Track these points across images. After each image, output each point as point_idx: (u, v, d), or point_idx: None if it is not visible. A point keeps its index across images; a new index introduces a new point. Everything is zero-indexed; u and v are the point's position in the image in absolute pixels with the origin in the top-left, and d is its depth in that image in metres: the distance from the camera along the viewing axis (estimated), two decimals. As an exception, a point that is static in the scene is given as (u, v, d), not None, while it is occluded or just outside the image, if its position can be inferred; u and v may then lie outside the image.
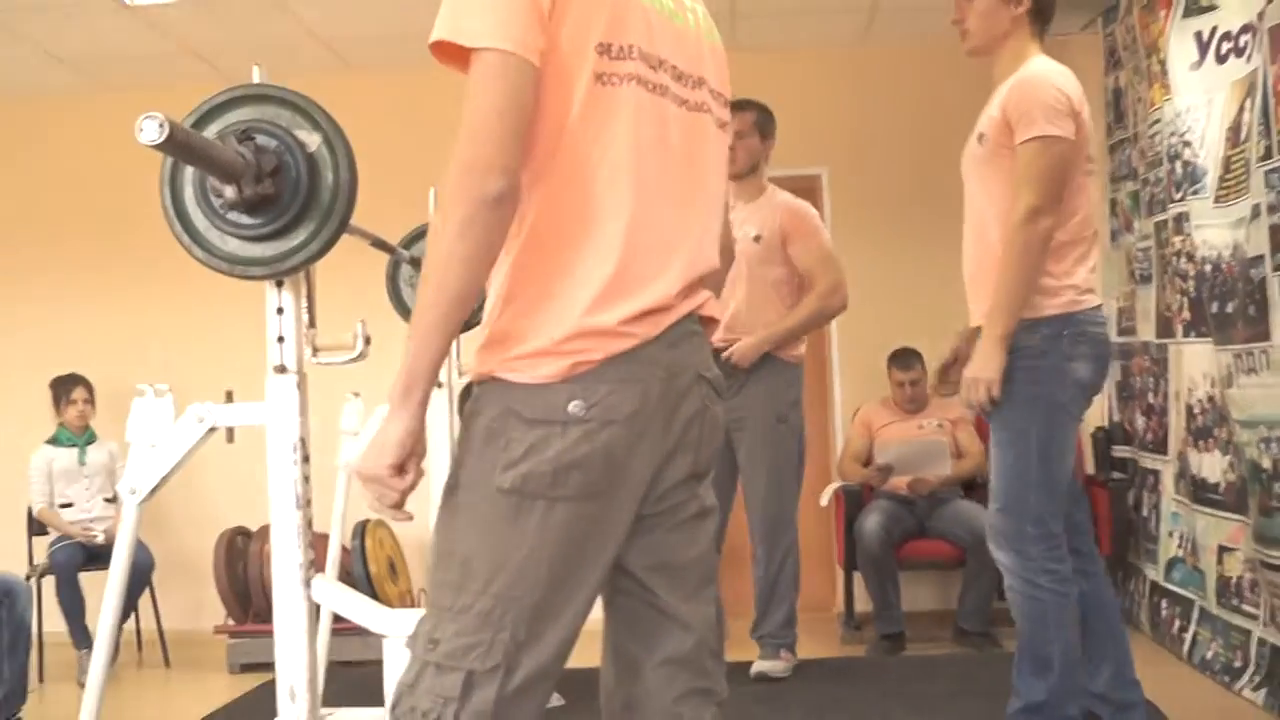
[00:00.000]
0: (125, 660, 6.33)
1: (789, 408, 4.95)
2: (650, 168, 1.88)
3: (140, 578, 6.13)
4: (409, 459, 1.83)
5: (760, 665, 4.85)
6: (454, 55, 1.80)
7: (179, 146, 2.47)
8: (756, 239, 4.91)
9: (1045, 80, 3.45)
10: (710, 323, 2.02)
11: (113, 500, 6.30)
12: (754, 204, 4.96)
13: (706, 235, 2.00)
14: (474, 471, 1.83)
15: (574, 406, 1.78)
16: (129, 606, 6.19)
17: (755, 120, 4.97)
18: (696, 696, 1.98)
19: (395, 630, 2.73)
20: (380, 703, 3.49)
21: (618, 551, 1.90)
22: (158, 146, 2.43)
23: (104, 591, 3.10)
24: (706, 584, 2.01)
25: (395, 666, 2.36)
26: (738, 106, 4.87)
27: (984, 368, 3.43)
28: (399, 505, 1.85)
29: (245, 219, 2.71)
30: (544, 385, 1.79)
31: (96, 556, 6.05)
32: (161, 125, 2.40)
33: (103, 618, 3.08)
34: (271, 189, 2.66)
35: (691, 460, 1.94)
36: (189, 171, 2.80)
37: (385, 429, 1.82)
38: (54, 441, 6.48)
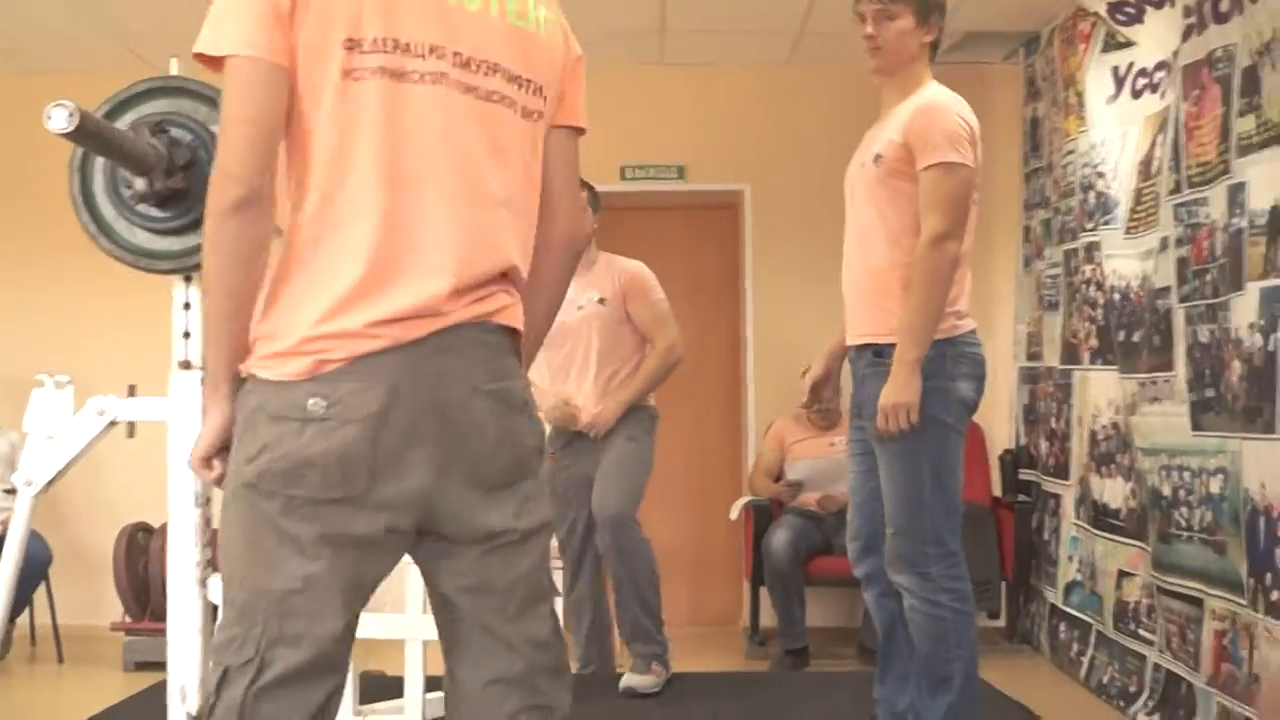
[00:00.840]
0: (17, 655, 6.19)
1: (641, 433, 5.03)
2: (410, 163, 1.84)
3: (36, 571, 5.99)
4: (219, 452, 1.88)
5: (629, 679, 4.84)
6: (215, 65, 1.82)
7: (89, 136, 2.43)
8: (601, 301, 5.01)
9: (948, 108, 3.49)
10: (512, 334, 1.96)
11: (11, 492, 6.16)
12: (592, 272, 5.05)
13: (495, 231, 1.92)
14: (233, 464, 1.84)
15: (313, 404, 1.76)
16: (23, 600, 6.05)
17: (586, 198, 4.99)
18: (529, 714, 1.95)
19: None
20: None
21: (379, 565, 1.87)
22: (67, 135, 2.40)
23: (-5, 584, 3.03)
24: (534, 603, 1.96)
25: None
26: None
27: (901, 392, 3.43)
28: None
29: (155, 212, 2.68)
30: (288, 383, 1.78)
31: (-9, 548, 5.92)
32: (71, 114, 2.36)
33: (-9, 611, 3.02)
34: (183, 183, 2.64)
35: (481, 478, 1.88)
36: (100, 161, 2.76)
37: (201, 424, 1.89)
38: (-50, 430, 6.34)
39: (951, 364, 3.50)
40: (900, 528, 3.55)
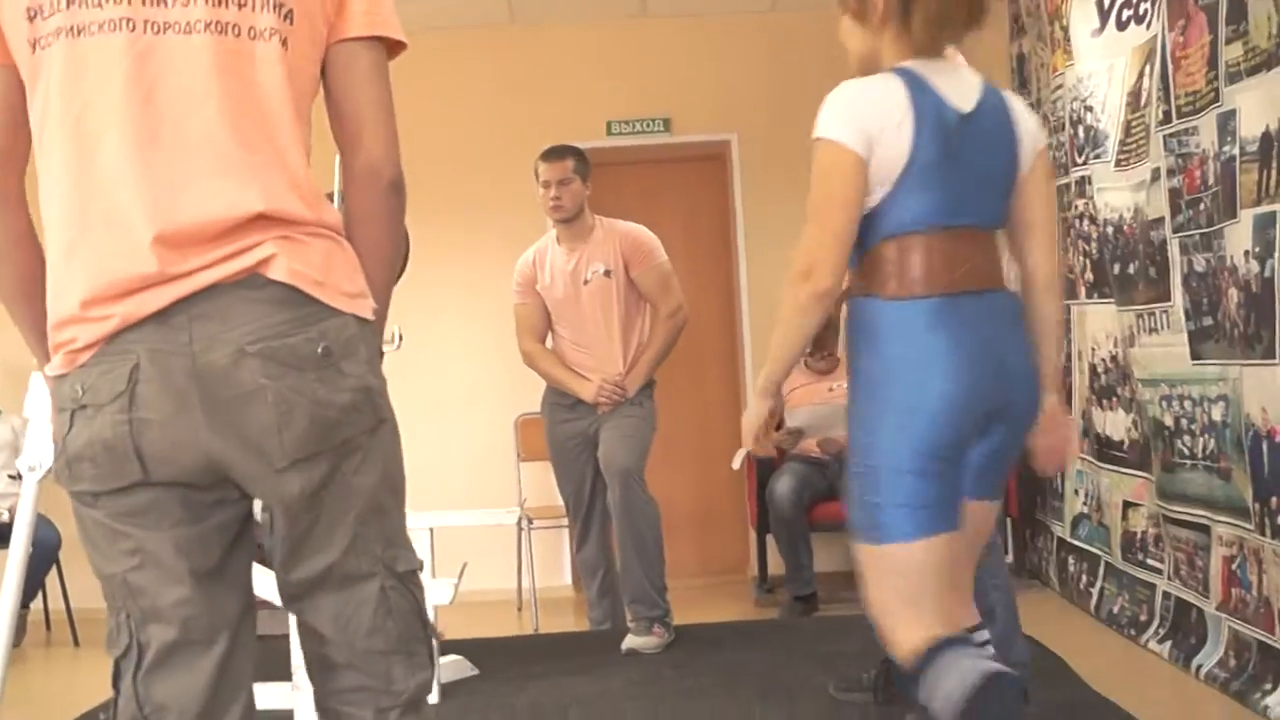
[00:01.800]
0: (33, 640, 6.23)
1: (644, 397, 5.07)
2: (93, 124, 1.68)
3: (47, 555, 6.02)
4: None
5: (631, 641, 4.87)
6: None
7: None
8: (607, 273, 5.01)
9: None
10: (283, 287, 1.70)
11: (17, 478, 6.17)
12: (591, 241, 5.04)
13: (213, 177, 1.69)
14: None
15: (75, 392, 1.69)
16: (35, 585, 6.08)
17: (574, 167, 5.00)
18: (355, 694, 1.83)
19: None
20: (288, 676, 3.48)
21: (211, 519, 1.76)
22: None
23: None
24: (353, 583, 1.80)
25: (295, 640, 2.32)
26: (553, 156, 4.99)
27: None
28: None
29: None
30: (60, 376, 1.72)
31: (1, 535, 5.94)
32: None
33: (2, 597, 3.03)
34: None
35: (278, 450, 1.70)
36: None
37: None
38: (-47, 418, 6.36)
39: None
40: None
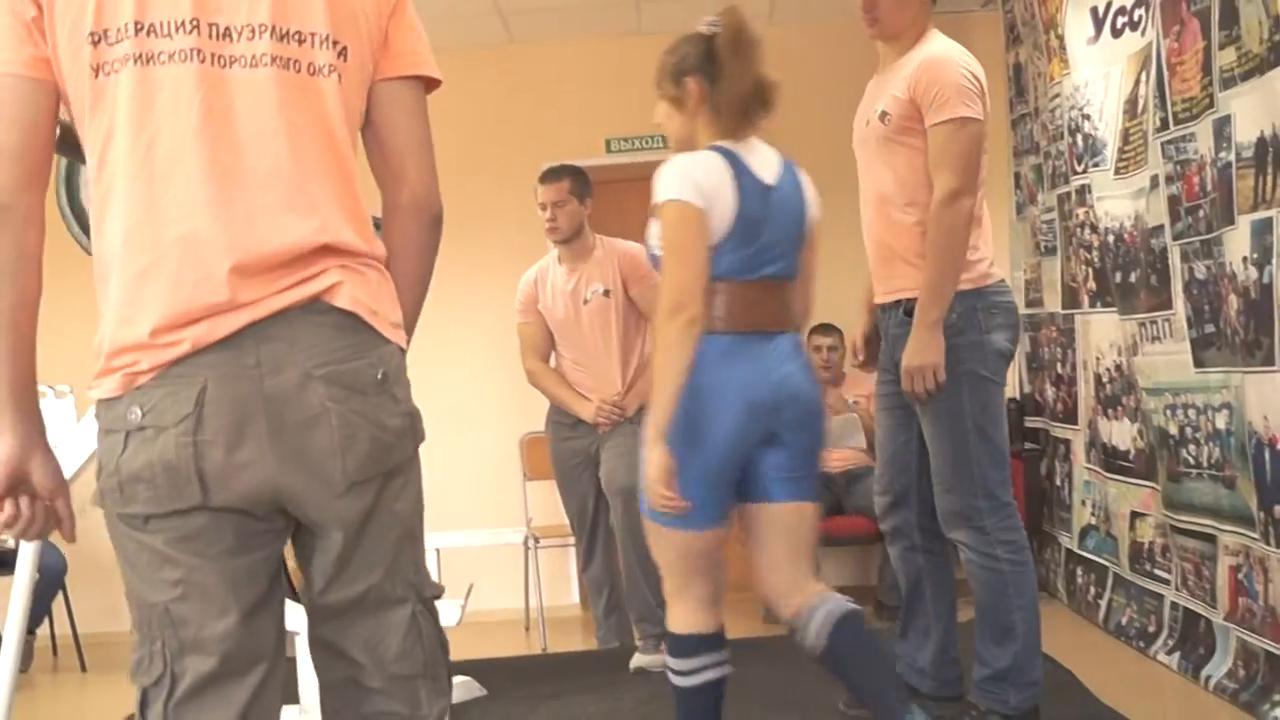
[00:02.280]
0: (40, 665, 6.22)
1: (642, 414, 5.04)
2: (164, 153, 1.71)
3: (53, 581, 6.03)
4: (11, 491, 1.78)
5: (639, 659, 4.87)
6: None
7: (73, 147, 2.42)
8: (606, 293, 5.01)
9: (953, 61, 3.47)
10: (351, 315, 1.77)
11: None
12: (590, 262, 5.05)
13: (284, 209, 1.74)
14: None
15: (132, 415, 1.69)
16: (42, 611, 6.08)
17: (570, 187, 4.99)
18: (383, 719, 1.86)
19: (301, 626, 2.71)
20: (295, 699, 3.48)
21: (250, 567, 1.77)
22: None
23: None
24: (386, 607, 1.84)
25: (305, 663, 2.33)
26: (550, 177, 4.98)
27: (925, 353, 3.45)
28: (19, 537, 1.83)
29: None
30: (113, 398, 1.71)
31: (6, 562, 5.93)
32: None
33: (9, 623, 3.03)
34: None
35: (338, 473, 1.74)
36: (84, 171, 2.75)
37: None
38: (-43, 445, 6.35)
39: (984, 316, 3.52)
40: (949, 484, 3.58)
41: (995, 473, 3.56)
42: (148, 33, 1.71)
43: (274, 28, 1.76)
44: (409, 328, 1.93)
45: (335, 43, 1.81)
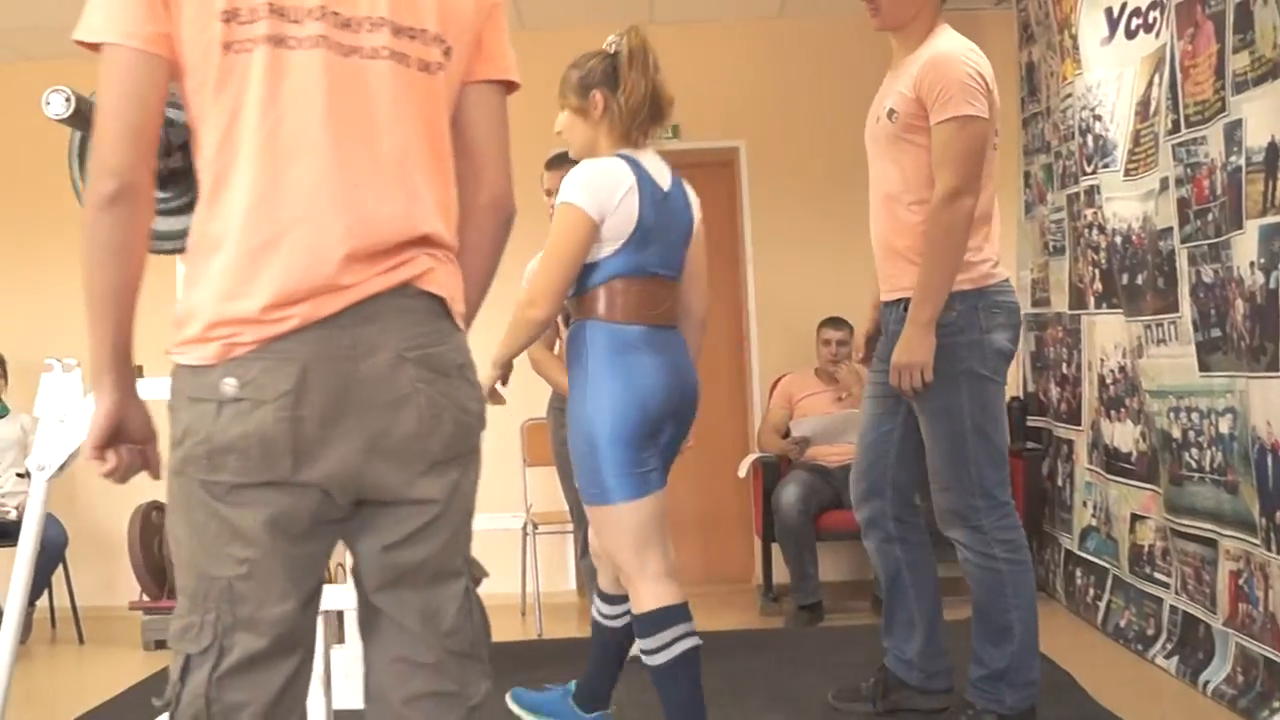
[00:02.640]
0: (38, 637, 6.25)
1: None
2: (290, 135, 1.76)
3: (53, 554, 6.05)
4: (113, 441, 1.85)
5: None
6: (97, 51, 1.77)
7: (87, 121, 2.43)
8: None
9: (958, 59, 3.47)
10: (438, 299, 1.86)
11: (25, 476, 6.20)
12: None
13: (394, 197, 1.82)
14: (167, 453, 1.82)
15: (226, 385, 1.72)
16: (42, 583, 6.11)
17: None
18: (432, 700, 1.89)
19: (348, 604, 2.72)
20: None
21: (321, 543, 1.83)
22: (64, 120, 2.40)
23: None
24: (443, 580, 1.89)
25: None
26: (555, 163, 4.93)
27: (914, 352, 3.46)
28: (119, 480, 1.89)
29: (156, 193, 2.67)
30: (204, 366, 1.74)
31: (8, 533, 5.95)
32: (68, 99, 2.37)
33: (11, 595, 3.04)
34: (181, 162, 2.61)
35: (421, 452, 1.81)
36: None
37: (92, 414, 1.85)
38: (-37, 416, 6.38)
39: (985, 315, 3.52)
40: (947, 483, 3.59)
41: (993, 472, 3.56)
42: (279, 16, 1.76)
43: (392, 23, 1.83)
44: (471, 320, 2.02)
45: (442, 41, 1.88)
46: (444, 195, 1.91)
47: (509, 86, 2.03)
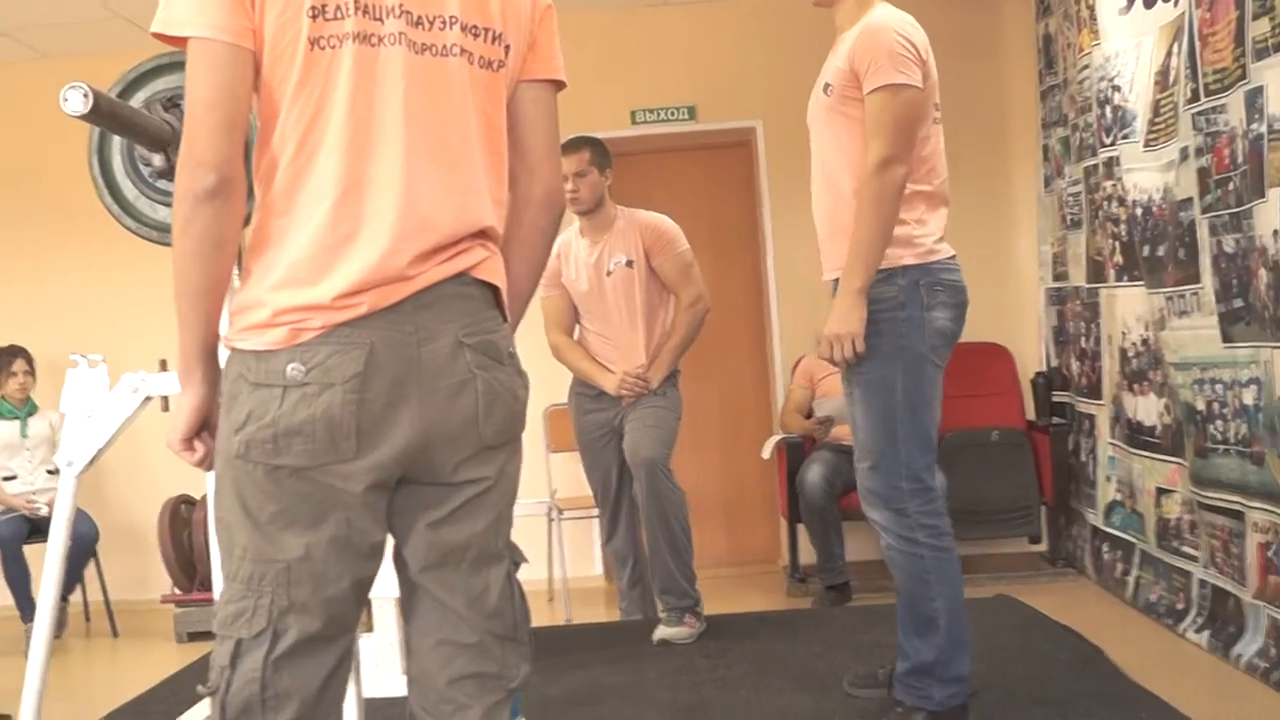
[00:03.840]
0: (73, 631, 6.30)
1: (668, 385, 5.08)
2: (373, 129, 1.81)
3: (84, 549, 6.09)
4: (200, 432, 1.91)
5: (663, 632, 4.88)
6: (176, 44, 1.79)
7: (104, 116, 2.45)
8: (629, 264, 5.00)
9: (889, 28, 3.41)
10: (493, 288, 1.93)
11: (56, 472, 6.24)
12: (612, 232, 5.04)
13: (462, 191, 1.88)
14: (221, 437, 1.84)
15: (292, 369, 1.75)
16: (74, 578, 6.15)
17: (591, 158, 4.98)
18: (474, 681, 1.92)
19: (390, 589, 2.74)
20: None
21: (378, 525, 1.86)
22: (83, 117, 2.41)
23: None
24: (483, 565, 1.93)
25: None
26: (570, 149, 4.92)
27: (843, 322, 3.37)
28: (208, 469, 1.92)
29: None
30: (268, 351, 1.77)
31: (41, 529, 6.00)
32: (86, 95, 2.38)
33: (43, 590, 3.07)
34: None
35: (473, 436, 1.86)
36: (117, 141, 2.77)
37: (177, 405, 1.90)
38: (-6, 414, 6.42)
39: (926, 293, 3.41)
40: (873, 462, 3.49)
41: (920, 455, 3.44)
42: (364, 13, 1.80)
43: (461, 20, 1.88)
44: (520, 310, 2.10)
45: (503, 40, 1.94)
46: (499, 190, 1.96)
47: (558, 86, 2.10)
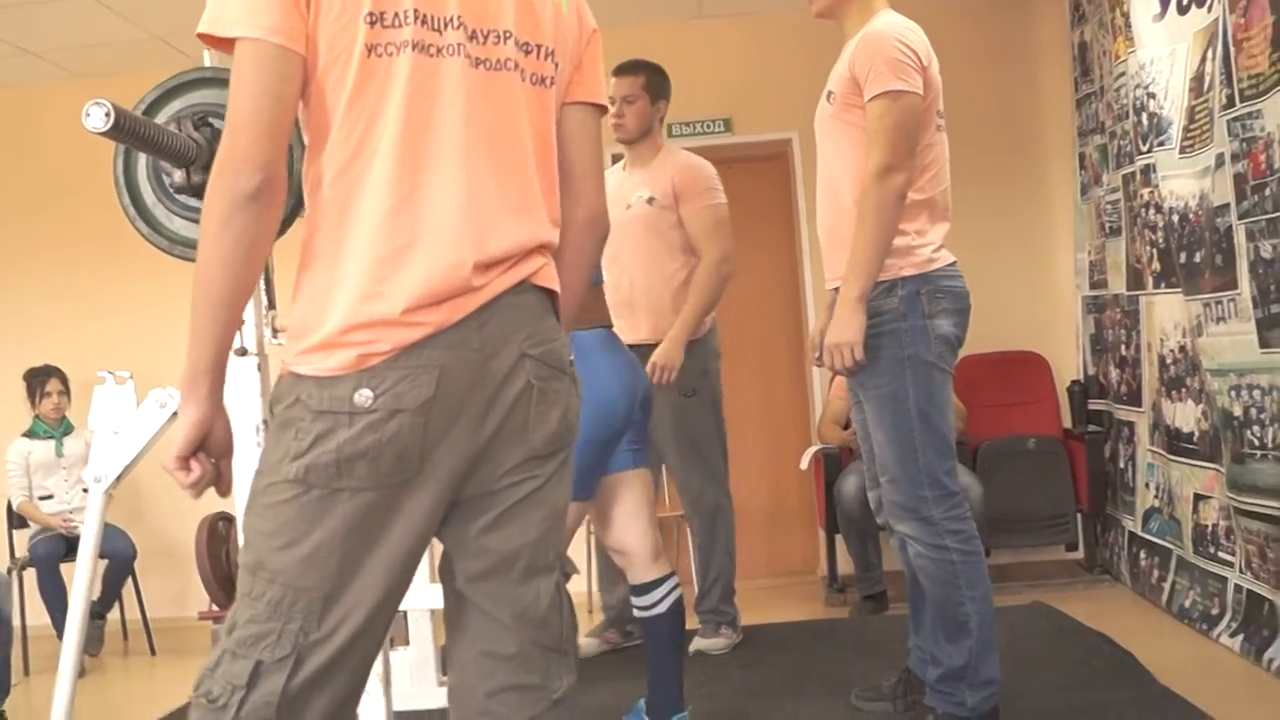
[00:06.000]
0: (111, 650, 6.34)
1: (697, 379, 4.76)
2: (432, 140, 1.78)
3: (123, 567, 6.14)
4: (197, 452, 1.81)
5: (699, 643, 4.84)
6: (222, 46, 1.75)
7: (126, 133, 2.46)
8: (650, 200, 4.69)
9: (889, 36, 3.38)
10: (550, 294, 1.91)
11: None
12: (649, 167, 4.75)
13: (520, 203, 1.86)
14: (269, 459, 1.78)
15: (360, 397, 1.70)
16: (112, 596, 6.20)
17: (645, 83, 4.74)
18: (515, 693, 1.89)
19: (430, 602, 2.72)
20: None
21: (423, 541, 1.82)
22: (104, 133, 2.42)
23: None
24: (536, 574, 1.90)
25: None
26: (625, 70, 4.71)
27: (844, 331, 3.36)
28: (197, 495, 1.85)
29: (194, 202, 2.70)
30: (332, 377, 1.72)
31: (77, 548, 6.04)
32: (108, 113, 2.39)
33: (72, 605, 3.09)
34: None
35: (522, 444, 1.84)
36: (142, 155, 2.79)
37: (176, 422, 1.82)
38: (30, 434, 6.47)
39: (928, 301, 3.40)
40: (894, 475, 3.47)
41: (940, 461, 3.42)
42: (423, 23, 1.78)
43: (515, 36, 1.88)
44: (567, 330, 2.04)
45: (553, 57, 1.94)
46: (553, 206, 1.95)
47: (602, 110, 2.10)
